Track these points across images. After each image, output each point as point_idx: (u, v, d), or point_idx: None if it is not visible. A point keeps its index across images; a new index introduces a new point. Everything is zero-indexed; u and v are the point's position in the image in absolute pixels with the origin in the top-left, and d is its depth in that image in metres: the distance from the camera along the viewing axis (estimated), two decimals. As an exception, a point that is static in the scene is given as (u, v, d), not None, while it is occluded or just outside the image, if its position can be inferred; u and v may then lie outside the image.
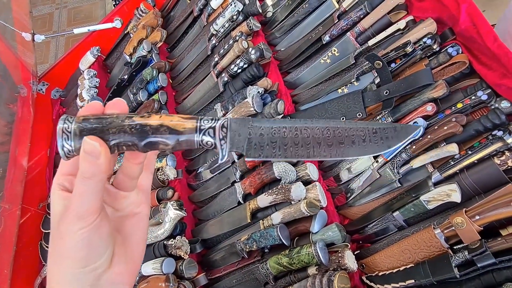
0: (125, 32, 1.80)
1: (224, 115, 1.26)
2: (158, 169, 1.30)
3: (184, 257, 1.08)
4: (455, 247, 0.79)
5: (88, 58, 1.81)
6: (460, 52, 0.92)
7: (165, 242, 1.11)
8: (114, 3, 2.62)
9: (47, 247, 1.42)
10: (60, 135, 0.36)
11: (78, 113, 0.39)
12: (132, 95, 1.56)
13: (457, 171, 0.83)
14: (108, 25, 1.79)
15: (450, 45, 0.94)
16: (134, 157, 0.40)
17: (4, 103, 1.60)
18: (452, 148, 0.84)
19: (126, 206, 0.43)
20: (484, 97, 0.84)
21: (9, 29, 1.66)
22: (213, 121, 0.38)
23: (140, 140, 0.37)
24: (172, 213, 1.12)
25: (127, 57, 1.70)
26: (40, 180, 1.66)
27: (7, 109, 1.63)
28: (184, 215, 1.13)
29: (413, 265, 0.84)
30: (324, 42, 1.21)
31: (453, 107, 0.89)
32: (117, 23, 1.80)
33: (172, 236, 1.14)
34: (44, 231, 1.50)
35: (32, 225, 1.50)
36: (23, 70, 1.81)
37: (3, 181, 1.43)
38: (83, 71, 1.78)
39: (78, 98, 1.71)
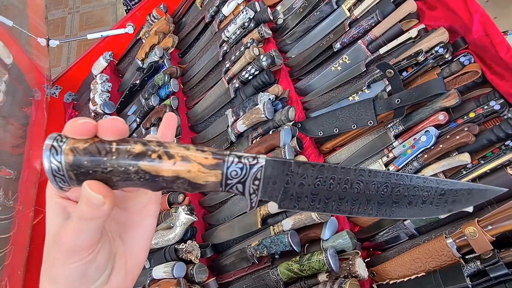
0: (137, 37, 1.82)
1: (235, 121, 1.27)
2: (169, 174, 1.31)
3: (195, 262, 1.09)
4: (467, 257, 0.79)
5: (101, 63, 1.84)
6: (473, 61, 0.92)
7: (176, 246, 1.12)
8: (125, 8, 2.65)
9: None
10: (52, 177, 0.30)
11: (65, 129, 0.32)
12: (144, 100, 1.59)
13: (469, 181, 0.83)
14: (121, 31, 1.82)
15: (462, 54, 0.94)
16: None
17: (19, 106, 1.63)
18: (464, 158, 0.84)
19: (134, 204, 0.39)
20: (497, 107, 0.84)
21: (24, 34, 1.70)
22: (244, 171, 0.32)
23: (153, 189, 0.32)
24: (183, 218, 1.13)
25: (139, 62, 1.73)
26: (53, 182, 1.69)
27: (22, 112, 1.66)
28: (195, 219, 1.14)
29: (424, 274, 0.84)
30: (335, 50, 1.22)
31: (465, 117, 0.89)
32: (129, 29, 1.83)
33: (183, 240, 1.15)
34: (56, 233, 1.52)
35: (45, 227, 1.52)
36: (37, 74, 1.84)
37: (17, 183, 1.46)
38: (95, 76, 1.81)
39: (90, 102, 1.74)
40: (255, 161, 0.32)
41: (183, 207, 1.17)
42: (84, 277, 0.33)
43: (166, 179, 0.31)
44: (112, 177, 0.31)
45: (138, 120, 1.62)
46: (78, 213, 0.31)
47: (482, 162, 0.82)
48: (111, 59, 1.85)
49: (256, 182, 0.32)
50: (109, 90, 1.75)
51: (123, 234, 0.38)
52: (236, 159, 0.32)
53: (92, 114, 1.73)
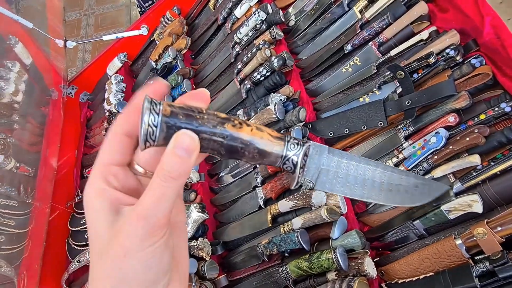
0: (151, 39, 1.86)
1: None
2: (181, 172, 1.34)
3: (206, 259, 1.12)
4: (476, 258, 0.80)
5: (115, 64, 1.89)
6: (484, 64, 0.93)
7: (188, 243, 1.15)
8: (139, 10, 2.70)
9: (74, 244, 1.49)
10: (146, 129, 0.31)
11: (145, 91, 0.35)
12: (157, 100, 1.62)
13: (479, 182, 0.83)
14: (135, 32, 1.86)
15: (473, 56, 0.94)
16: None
17: (37, 105, 1.69)
18: (474, 159, 0.85)
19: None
20: (508, 109, 0.84)
21: (43, 35, 1.76)
22: (299, 147, 0.37)
23: (228, 152, 0.35)
24: (194, 215, 1.16)
25: (153, 63, 1.77)
26: (68, 180, 1.73)
27: (39, 111, 1.71)
28: (207, 217, 1.17)
29: (433, 274, 0.84)
30: (346, 51, 1.23)
31: (475, 118, 0.89)
32: (143, 30, 1.86)
33: (194, 237, 1.18)
34: (71, 228, 1.56)
35: (60, 223, 1.57)
36: (54, 75, 1.90)
37: (35, 179, 1.51)
38: (110, 76, 1.86)
39: (105, 102, 1.78)
40: (305, 140, 0.39)
41: (195, 205, 1.19)
42: (160, 264, 0.31)
43: (243, 141, 0.35)
44: (200, 134, 0.34)
45: (151, 119, 1.65)
46: (163, 173, 0.29)
47: (492, 163, 0.82)
48: (126, 60, 1.89)
49: (305, 158, 0.38)
50: (124, 90, 1.79)
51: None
52: (293, 138, 0.38)
53: (107, 113, 1.77)
